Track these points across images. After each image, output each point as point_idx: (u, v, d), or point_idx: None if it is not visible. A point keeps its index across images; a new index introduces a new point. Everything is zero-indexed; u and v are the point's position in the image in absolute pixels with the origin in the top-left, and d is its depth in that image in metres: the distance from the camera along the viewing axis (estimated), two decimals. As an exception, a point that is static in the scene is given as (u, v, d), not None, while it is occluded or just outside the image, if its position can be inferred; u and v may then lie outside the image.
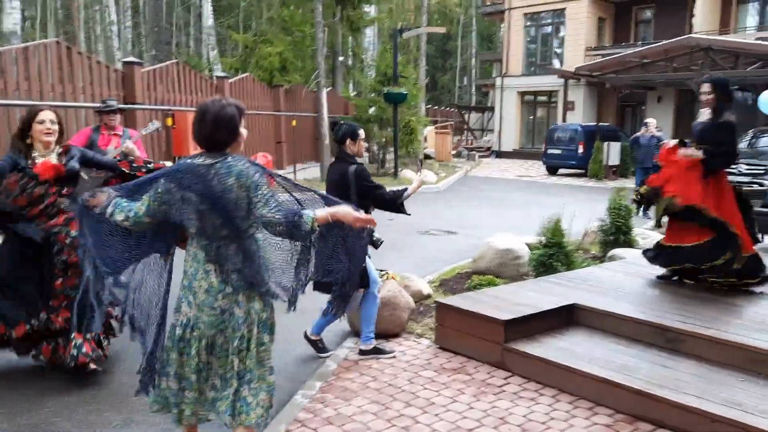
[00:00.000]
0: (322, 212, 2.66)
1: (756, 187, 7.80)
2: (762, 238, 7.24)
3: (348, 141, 4.32)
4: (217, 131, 2.63)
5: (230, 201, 2.58)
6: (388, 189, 4.44)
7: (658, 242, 5.46)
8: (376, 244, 4.22)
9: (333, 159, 4.54)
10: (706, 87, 5.09)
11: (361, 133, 4.41)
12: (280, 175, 2.90)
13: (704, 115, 5.20)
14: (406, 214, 4.43)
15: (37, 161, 3.92)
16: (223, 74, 15.22)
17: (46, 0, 28.27)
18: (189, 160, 2.68)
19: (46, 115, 3.95)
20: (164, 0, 27.99)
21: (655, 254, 5.40)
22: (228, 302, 2.65)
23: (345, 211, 2.70)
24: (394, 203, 4.31)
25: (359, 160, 4.41)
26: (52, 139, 3.97)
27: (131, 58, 11.49)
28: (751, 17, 22.90)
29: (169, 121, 10.33)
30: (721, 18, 22.76)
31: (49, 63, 9.04)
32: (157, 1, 25.07)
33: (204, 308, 2.65)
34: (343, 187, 4.18)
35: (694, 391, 3.53)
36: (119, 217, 2.73)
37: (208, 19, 20.54)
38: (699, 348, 4.10)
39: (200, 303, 2.65)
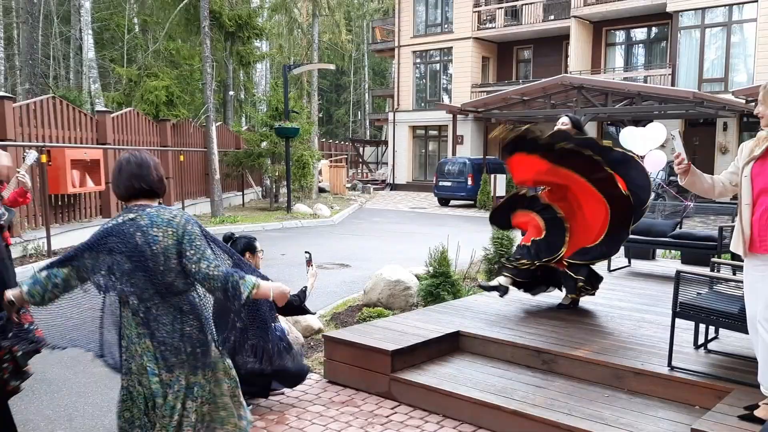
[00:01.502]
0: (267, 285, 2.55)
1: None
2: (629, 262, 7.86)
3: (247, 254, 4.12)
4: (141, 178, 2.55)
5: (155, 254, 2.45)
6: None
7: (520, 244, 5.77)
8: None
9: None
10: (565, 120, 5.54)
11: (258, 245, 4.23)
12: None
13: None
14: (311, 313, 4.65)
15: None
16: (104, 109, 14.65)
17: None
18: (111, 222, 2.55)
19: None
20: (40, 31, 26.66)
21: (520, 254, 5.66)
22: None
23: (281, 292, 2.59)
24: (300, 307, 4.31)
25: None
26: None
27: (1, 93, 10.86)
28: (619, 58, 24.94)
29: (44, 158, 9.81)
30: (592, 59, 24.63)
31: None
32: (32, 32, 23.84)
33: (143, 373, 2.54)
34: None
35: (564, 409, 3.76)
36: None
37: (89, 52, 19.75)
38: (570, 367, 4.36)
39: (139, 367, 2.54)
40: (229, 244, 3.99)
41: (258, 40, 20.35)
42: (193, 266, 2.46)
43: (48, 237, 9.51)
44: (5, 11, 28.71)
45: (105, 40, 27.85)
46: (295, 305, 4.26)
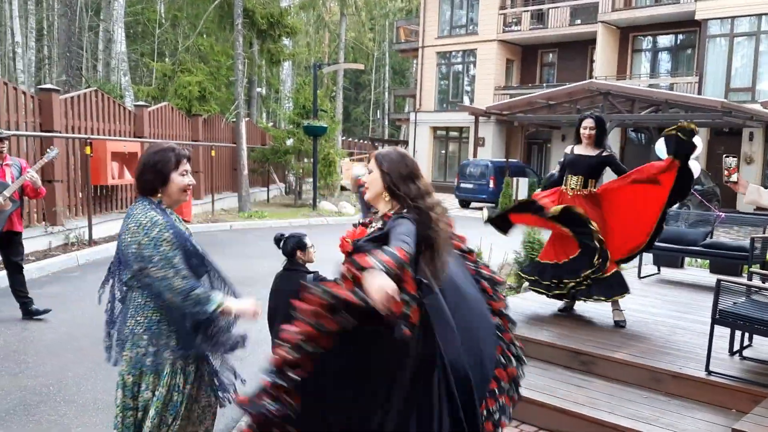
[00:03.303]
0: (232, 303, 2.55)
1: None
2: (659, 270, 8.01)
3: (298, 253, 4.12)
4: (143, 173, 2.57)
5: (124, 244, 2.49)
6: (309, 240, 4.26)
7: (534, 260, 5.85)
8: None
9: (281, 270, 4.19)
10: (590, 122, 5.48)
11: (308, 241, 4.19)
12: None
13: (583, 147, 5.55)
14: None
15: None
16: (141, 103, 15.00)
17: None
18: None
19: None
20: (76, 24, 27.18)
21: (529, 269, 5.83)
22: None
23: (246, 307, 2.59)
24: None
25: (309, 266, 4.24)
26: None
27: (49, 85, 11.21)
28: (645, 65, 24.96)
29: (88, 150, 10.14)
30: (618, 64, 24.67)
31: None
32: (70, 25, 24.32)
33: None
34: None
35: (606, 408, 3.95)
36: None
37: (121, 45, 20.15)
38: (609, 369, 4.55)
39: None
40: (280, 244, 4.13)
41: (288, 39, 20.61)
42: (156, 273, 2.43)
43: (90, 226, 9.84)
44: (38, 2, 29.24)
45: (135, 34, 28.32)
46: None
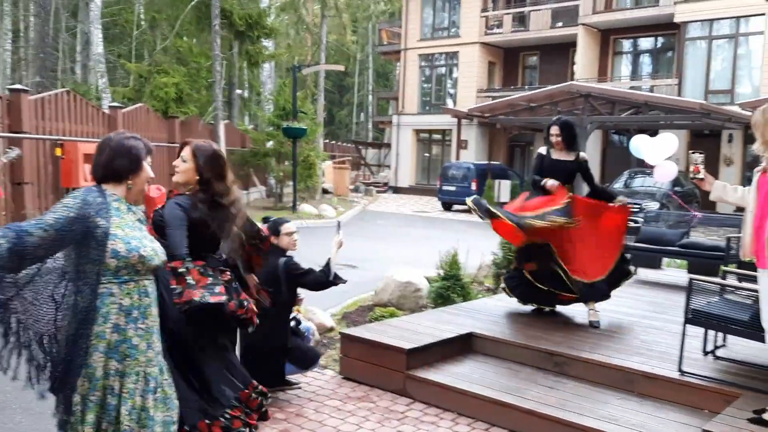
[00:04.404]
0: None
1: (631, 224, 8.55)
2: (635, 270, 7.95)
3: (272, 237, 4.21)
4: (116, 159, 2.46)
5: None
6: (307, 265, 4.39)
7: (517, 270, 5.74)
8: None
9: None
10: (555, 129, 5.46)
11: (285, 228, 4.35)
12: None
13: (558, 152, 5.52)
14: (343, 282, 4.40)
15: None
16: (116, 104, 14.76)
17: None
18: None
19: None
20: (51, 25, 26.80)
21: (516, 283, 5.73)
22: None
23: None
24: (328, 280, 4.28)
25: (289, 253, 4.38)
26: None
27: (18, 86, 10.97)
28: (625, 67, 25.08)
29: (59, 151, 9.93)
30: (599, 67, 24.77)
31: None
32: (44, 26, 23.96)
33: None
34: (275, 278, 4.14)
35: (577, 409, 3.86)
36: None
37: (98, 46, 19.89)
38: (582, 370, 4.47)
39: None
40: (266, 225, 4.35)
41: (267, 40, 20.43)
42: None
43: (60, 230, 9.60)
44: (14, 3, 28.81)
45: (113, 36, 27.98)
46: (323, 280, 4.28)
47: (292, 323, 4.49)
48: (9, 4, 26.29)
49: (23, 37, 30.81)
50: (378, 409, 4.22)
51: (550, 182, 5.39)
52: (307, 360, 4.47)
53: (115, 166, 2.46)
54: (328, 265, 4.30)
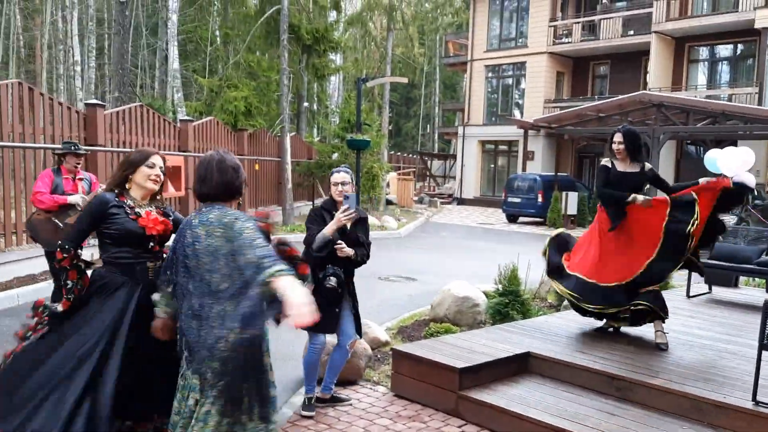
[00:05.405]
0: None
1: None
2: (710, 289, 7.54)
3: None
4: (238, 178, 2.80)
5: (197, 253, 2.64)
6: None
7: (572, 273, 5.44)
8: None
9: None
10: (618, 137, 5.25)
11: (333, 177, 4.31)
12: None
13: (622, 164, 5.31)
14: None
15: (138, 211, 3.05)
16: (187, 117, 15.25)
17: (9, 38, 28.09)
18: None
19: (158, 161, 3.16)
20: (130, 42, 28.09)
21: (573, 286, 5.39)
22: None
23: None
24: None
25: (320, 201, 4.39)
26: (157, 187, 3.16)
27: (93, 100, 11.49)
28: (702, 75, 24.06)
29: (257, 166, 10.30)
30: (673, 75, 23.85)
31: (9, 103, 8.98)
32: (123, 43, 25.14)
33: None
34: None
35: (640, 439, 3.64)
36: None
37: (174, 62, 20.69)
38: (646, 396, 4.22)
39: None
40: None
41: (333, 53, 20.72)
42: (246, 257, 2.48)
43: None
44: (98, 23, 30.38)
45: (189, 52, 29.06)
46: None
47: None
48: (93, 23, 27.74)
49: (107, 54, 32.45)
50: (429, 430, 4.11)
51: (640, 198, 5.11)
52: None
53: (237, 184, 2.77)
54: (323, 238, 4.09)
